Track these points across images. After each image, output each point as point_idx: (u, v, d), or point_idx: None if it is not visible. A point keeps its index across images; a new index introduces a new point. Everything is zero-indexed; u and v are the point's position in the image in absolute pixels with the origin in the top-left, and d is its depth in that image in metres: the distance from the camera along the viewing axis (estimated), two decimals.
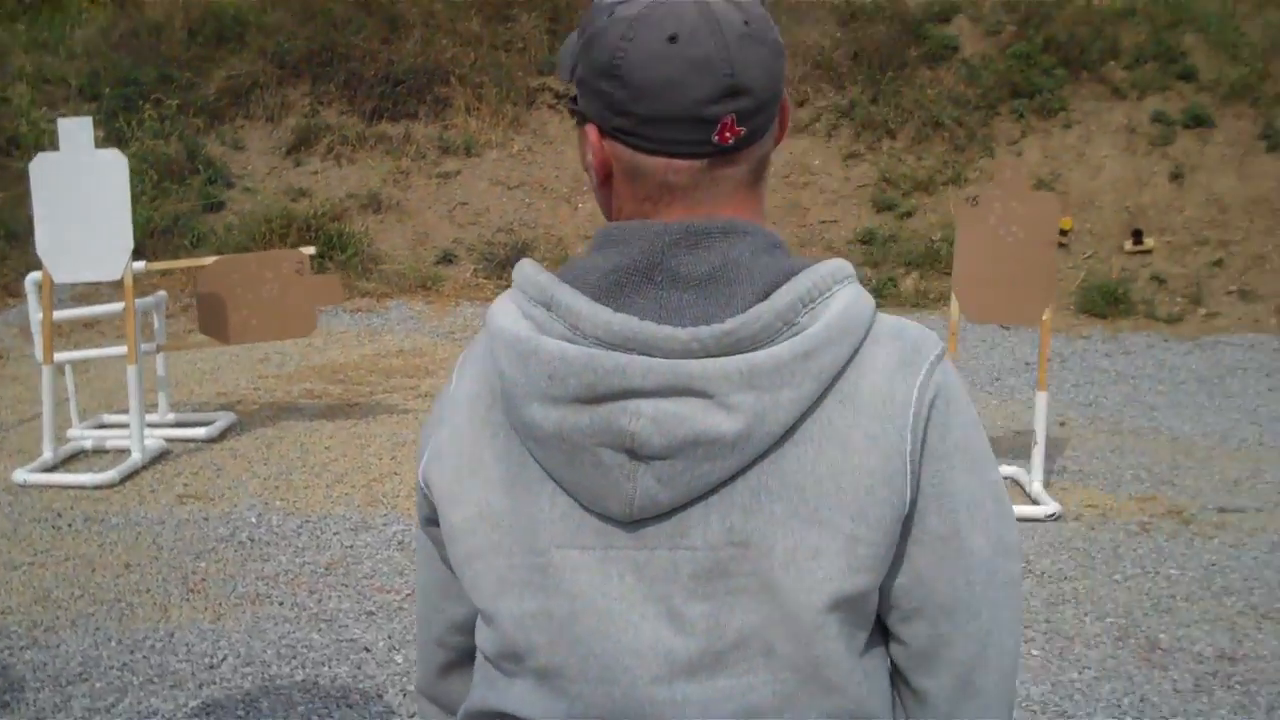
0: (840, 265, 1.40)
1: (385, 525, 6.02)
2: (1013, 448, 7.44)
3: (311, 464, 6.96)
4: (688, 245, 1.36)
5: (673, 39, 1.33)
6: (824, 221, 12.24)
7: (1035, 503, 6.43)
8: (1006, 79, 12.97)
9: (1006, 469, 6.93)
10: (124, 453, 7.05)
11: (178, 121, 12.93)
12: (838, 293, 1.37)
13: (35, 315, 7.21)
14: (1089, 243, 11.54)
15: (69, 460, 7.08)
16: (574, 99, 1.45)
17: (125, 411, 7.71)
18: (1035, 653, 4.85)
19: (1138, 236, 11.34)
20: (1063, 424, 7.95)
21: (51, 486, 6.62)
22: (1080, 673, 4.70)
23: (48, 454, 6.87)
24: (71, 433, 7.31)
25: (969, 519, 1.42)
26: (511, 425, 1.40)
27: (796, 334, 1.33)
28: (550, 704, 1.42)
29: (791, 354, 1.32)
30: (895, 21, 13.62)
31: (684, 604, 1.37)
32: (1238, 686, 4.63)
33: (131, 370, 6.82)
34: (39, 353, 7.10)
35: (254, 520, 6.11)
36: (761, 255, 1.37)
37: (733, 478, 1.34)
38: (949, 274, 11.36)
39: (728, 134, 1.36)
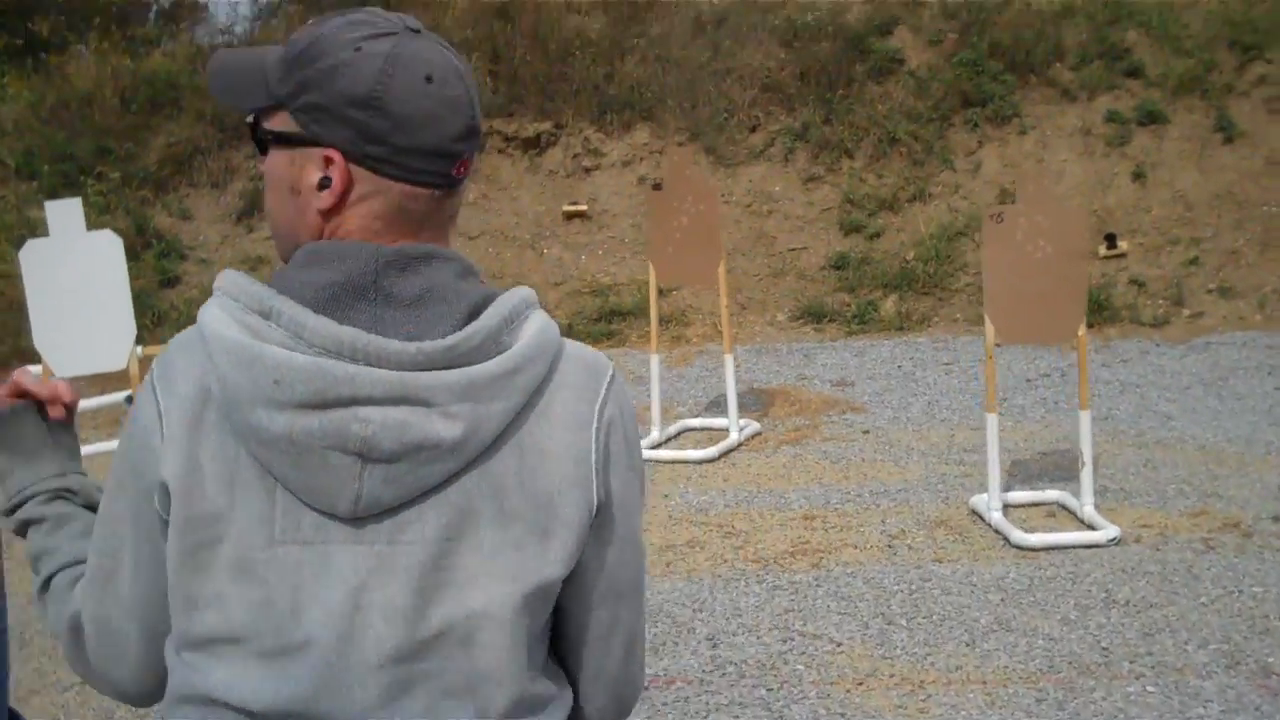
0: (529, 293, 1.59)
1: None
2: (1043, 470, 7.32)
3: None
4: (398, 268, 1.50)
5: (429, 79, 1.50)
6: (793, 249, 12.11)
7: (1091, 527, 6.30)
8: (956, 88, 12.93)
9: (1050, 493, 6.81)
10: None
11: (122, 195, 12.58)
12: (530, 316, 1.56)
13: None
14: None
15: None
16: (255, 124, 1.59)
17: None
18: (1151, 689, 4.70)
19: (1111, 240, 11.32)
20: None
21: None
22: (1204, 707, 4.56)
23: None
24: None
25: (637, 517, 1.66)
26: (232, 427, 1.48)
27: (503, 351, 1.50)
28: (261, 685, 1.50)
29: (502, 369, 1.49)
30: (837, 38, 13.53)
31: (396, 595, 1.49)
32: None
33: None
34: None
35: None
36: (461, 280, 1.54)
37: (449, 480, 1.49)
38: (928, 295, 11.32)
39: (462, 169, 1.56)
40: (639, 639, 1.76)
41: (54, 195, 12.01)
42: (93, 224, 11.68)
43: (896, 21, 13.70)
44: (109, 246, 6.47)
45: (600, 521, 1.59)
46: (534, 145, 13.28)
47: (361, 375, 1.43)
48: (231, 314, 1.48)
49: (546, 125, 13.27)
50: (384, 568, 1.49)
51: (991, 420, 6.43)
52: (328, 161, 1.52)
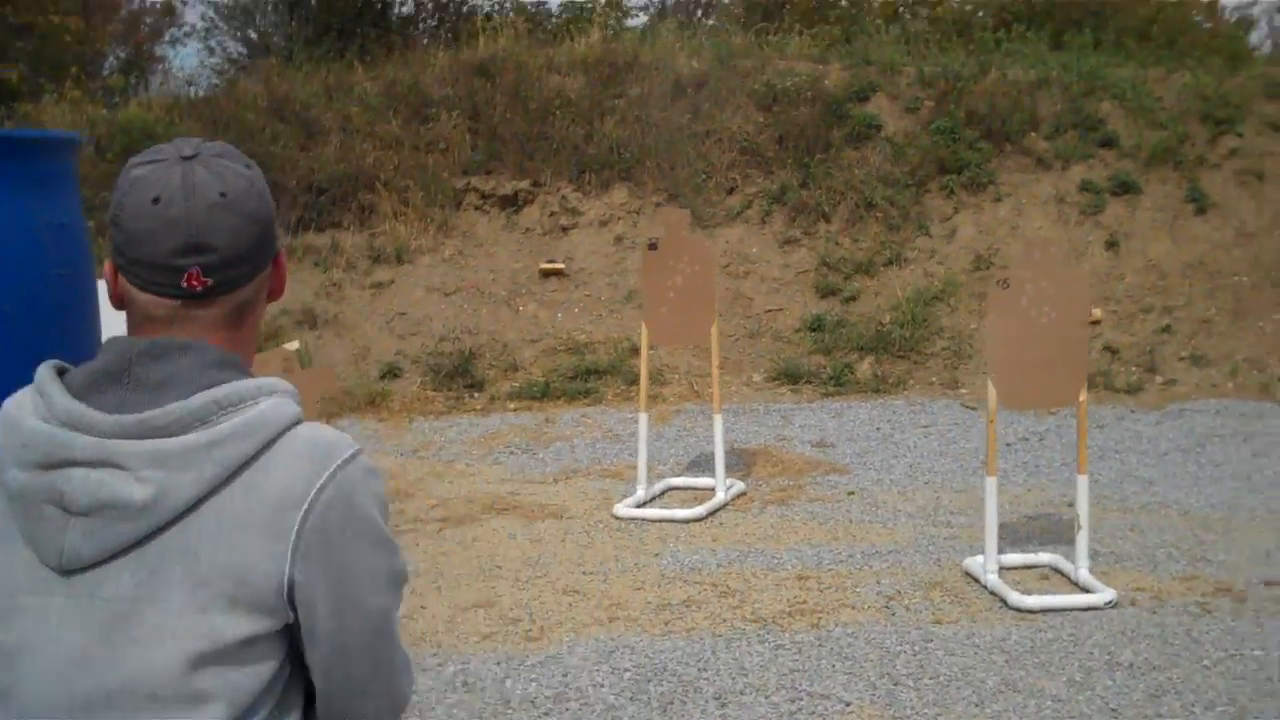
0: (270, 382, 1.77)
1: (439, 666, 5.69)
2: (1031, 533, 7.35)
3: None
4: (151, 357, 1.71)
5: (155, 200, 1.72)
6: (769, 310, 12.15)
7: (1086, 590, 6.31)
8: (932, 155, 13.06)
9: (1043, 556, 6.83)
10: None
11: (95, 245, 12.47)
12: (262, 401, 1.73)
13: None
14: None
15: None
16: None
17: None
18: None
19: None
20: (1070, 505, 7.85)
21: None
22: None
23: None
24: None
25: (370, 589, 1.79)
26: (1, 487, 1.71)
27: (209, 429, 1.68)
28: None
29: (197, 443, 1.67)
30: (816, 103, 13.65)
31: (94, 648, 1.66)
32: None
33: None
34: None
35: None
36: (210, 369, 1.73)
37: (144, 541, 1.66)
38: (903, 358, 11.39)
39: (195, 282, 1.75)
40: (391, 696, 1.91)
41: None
42: None
43: (874, 88, 13.85)
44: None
45: (305, 595, 1.73)
46: (511, 203, 13.30)
47: (74, 440, 1.66)
48: (27, 392, 1.75)
49: (524, 183, 13.30)
50: (86, 620, 1.67)
51: (990, 483, 6.45)
52: (109, 269, 1.81)
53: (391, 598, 1.85)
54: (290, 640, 1.79)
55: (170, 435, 1.66)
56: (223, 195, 1.74)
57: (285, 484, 1.71)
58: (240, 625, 1.68)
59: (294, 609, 1.74)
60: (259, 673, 1.72)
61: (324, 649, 1.79)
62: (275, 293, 1.91)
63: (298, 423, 1.77)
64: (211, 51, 22.95)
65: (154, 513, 1.65)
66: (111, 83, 20.05)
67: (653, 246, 8.09)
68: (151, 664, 1.65)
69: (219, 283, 1.77)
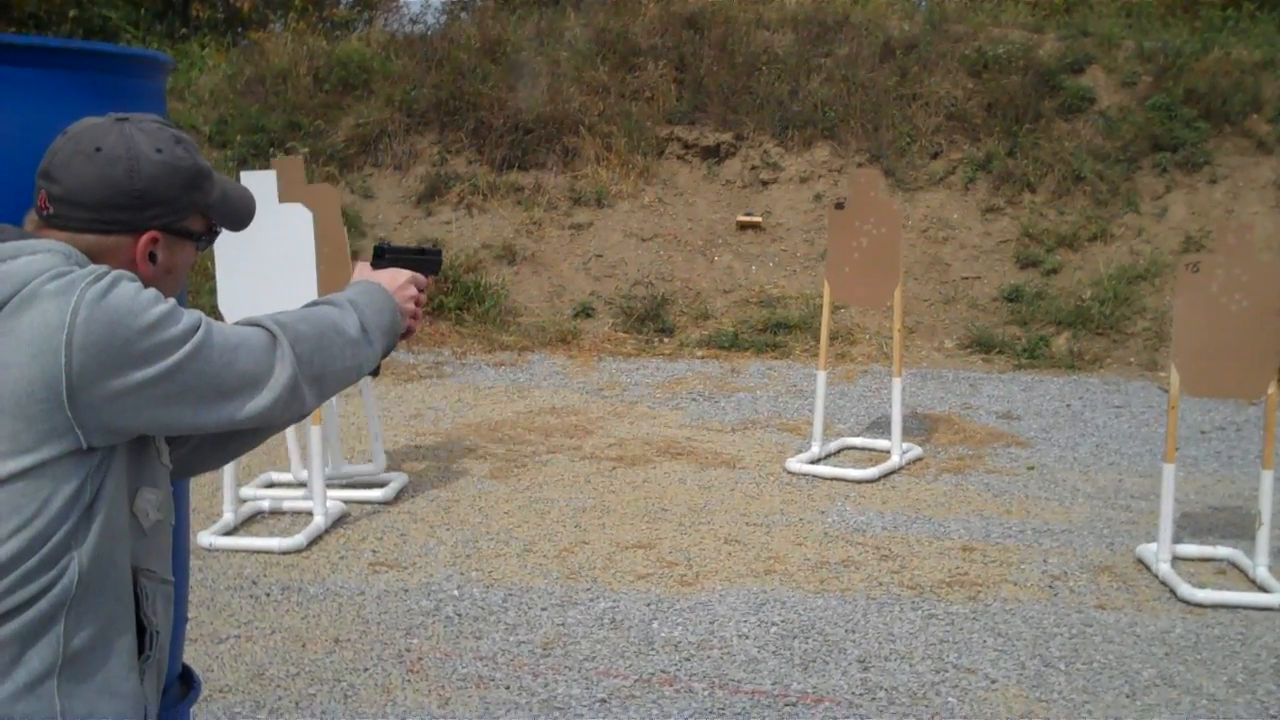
0: (35, 243, 1.95)
1: (591, 601, 5.78)
2: (1214, 525, 7.12)
3: (495, 530, 6.75)
4: None
5: (62, 133, 2.05)
6: (966, 278, 11.97)
7: (1263, 589, 6.11)
8: (1146, 131, 12.69)
9: (1221, 550, 6.62)
10: (302, 515, 6.85)
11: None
12: (21, 258, 1.91)
13: None
14: None
15: (248, 522, 6.88)
16: None
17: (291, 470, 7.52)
18: None
19: None
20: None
21: (239, 550, 6.40)
22: None
23: (229, 515, 6.66)
24: (245, 492, 7.09)
25: (149, 376, 1.90)
26: None
27: None
28: None
29: None
30: (1028, 72, 13.36)
31: None
32: None
33: (315, 430, 6.63)
34: None
35: (455, 593, 5.88)
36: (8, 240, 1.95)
37: None
38: (1102, 335, 11.10)
39: (41, 202, 2.02)
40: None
41: (244, 165, 12.33)
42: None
43: (1090, 60, 13.49)
44: (300, 219, 6.57)
45: (90, 406, 1.88)
46: (713, 154, 13.30)
47: None
48: None
49: (727, 136, 13.28)
50: None
51: (1169, 470, 6.27)
52: None
53: (171, 359, 1.93)
54: (92, 460, 1.91)
55: None
56: (97, 150, 1.99)
57: (39, 320, 1.85)
58: (18, 456, 1.86)
59: (83, 428, 1.88)
60: (53, 494, 1.88)
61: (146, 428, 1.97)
62: (137, 265, 2.04)
63: (52, 273, 1.90)
64: None
65: None
66: (336, 16, 20.53)
67: (839, 206, 8.02)
68: None
69: (58, 214, 2.00)
